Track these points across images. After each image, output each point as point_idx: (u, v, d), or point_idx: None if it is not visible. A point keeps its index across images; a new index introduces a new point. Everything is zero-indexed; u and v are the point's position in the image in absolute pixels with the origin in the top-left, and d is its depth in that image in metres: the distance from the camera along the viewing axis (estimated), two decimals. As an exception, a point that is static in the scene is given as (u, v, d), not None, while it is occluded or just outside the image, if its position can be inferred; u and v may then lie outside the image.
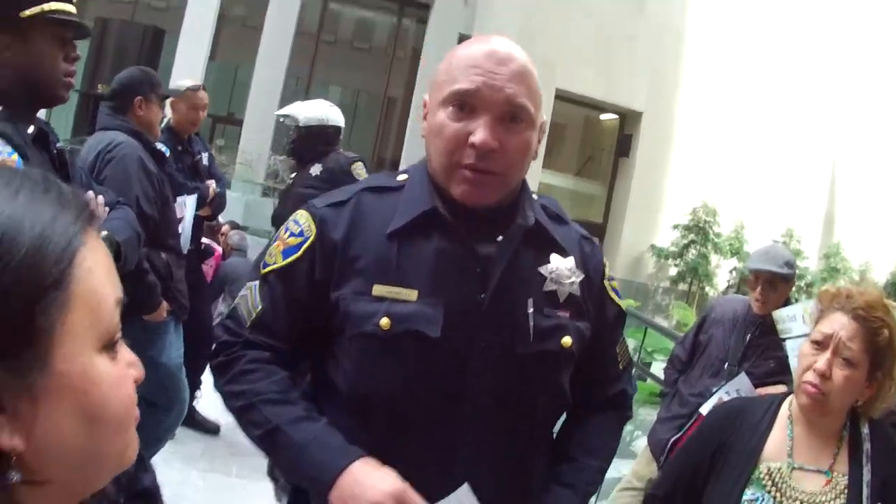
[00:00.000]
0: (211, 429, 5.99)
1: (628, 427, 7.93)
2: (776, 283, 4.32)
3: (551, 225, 2.00)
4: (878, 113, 22.30)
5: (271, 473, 2.12)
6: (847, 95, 22.01)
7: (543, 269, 1.93)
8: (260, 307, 1.91)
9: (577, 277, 1.97)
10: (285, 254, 1.91)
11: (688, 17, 20.24)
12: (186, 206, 4.85)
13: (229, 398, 1.92)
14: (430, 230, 1.87)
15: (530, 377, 1.91)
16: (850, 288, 2.38)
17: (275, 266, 1.92)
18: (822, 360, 2.27)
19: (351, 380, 1.87)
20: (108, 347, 0.85)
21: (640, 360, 9.07)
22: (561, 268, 1.94)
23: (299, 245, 1.90)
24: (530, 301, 1.89)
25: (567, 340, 1.92)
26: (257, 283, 1.94)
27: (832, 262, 21.48)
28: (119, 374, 0.86)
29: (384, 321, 1.80)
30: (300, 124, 5.78)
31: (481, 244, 1.88)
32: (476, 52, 1.84)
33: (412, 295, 1.82)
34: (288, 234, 1.93)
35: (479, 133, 1.79)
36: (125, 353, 0.89)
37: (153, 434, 4.32)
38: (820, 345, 2.30)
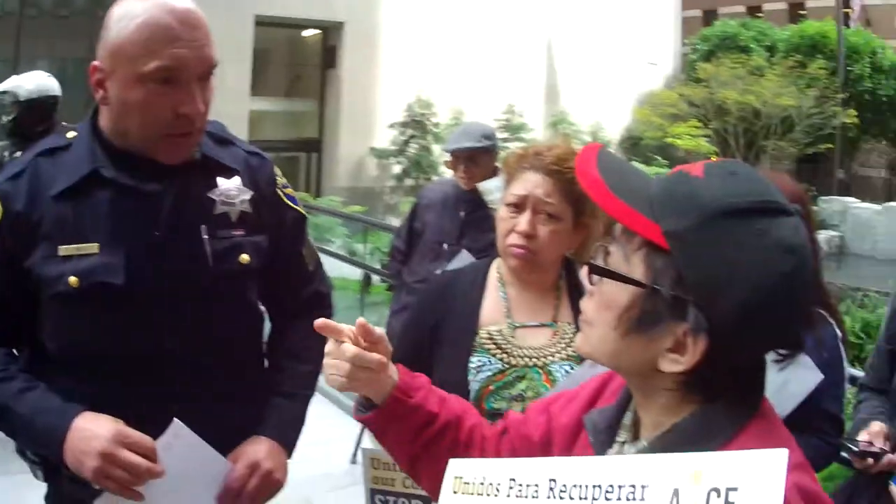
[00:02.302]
0: None
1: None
2: (477, 158, 4.41)
3: (216, 149, 2.07)
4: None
5: (20, 451, 2.16)
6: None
7: (212, 194, 2.02)
8: None
9: (246, 195, 2.06)
10: None
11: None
12: None
13: None
14: (98, 184, 1.93)
15: (219, 300, 2.02)
16: (538, 146, 2.38)
17: None
18: (523, 221, 2.26)
19: (55, 340, 1.96)
20: None
21: (381, 260, 9.12)
22: (229, 189, 2.04)
23: None
24: (204, 227, 1.99)
25: (245, 257, 2.04)
26: None
27: (559, 129, 22.30)
28: None
29: (72, 279, 1.88)
30: (20, 98, 5.42)
31: (148, 183, 1.94)
32: (162, 19, 1.83)
33: (94, 248, 1.90)
34: None
35: (191, 104, 1.87)
36: None
37: None
38: (517, 207, 2.29)
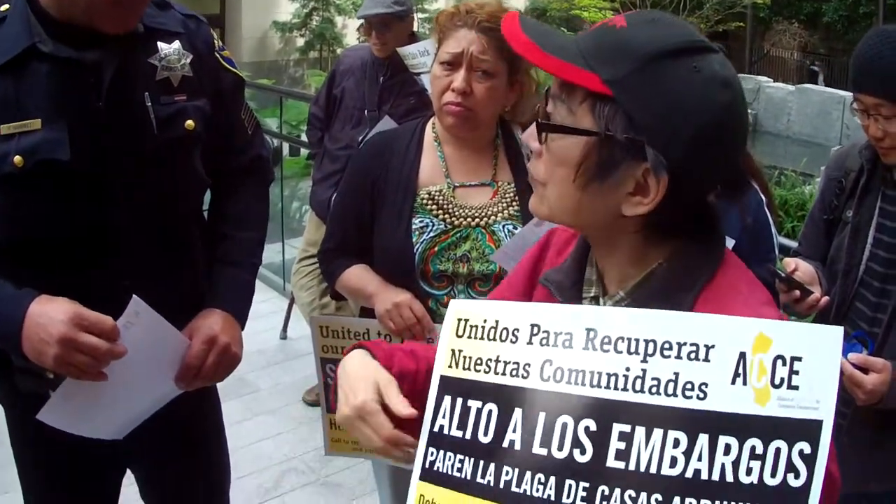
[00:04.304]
0: None
1: (294, 204, 8.01)
2: (390, 24, 4.32)
3: (154, 12, 1.99)
4: None
5: None
6: None
7: (153, 59, 1.96)
8: None
9: (186, 59, 2.01)
10: None
11: None
12: None
13: None
14: (36, 58, 1.83)
15: (165, 168, 1.97)
16: (468, 3, 2.32)
17: None
18: (459, 79, 2.23)
19: (2, 224, 1.87)
20: None
21: (288, 133, 9.00)
22: (170, 53, 1.98)
23: None
24: (147, 94, 1.93)
25: (190, 123, 1.99)
26: None
27: (461, -1, 22.03)
28: None
29: (17, 159, 1.79)
30: None
31: (87, 52, 1.85)
32: None
33: (36, 124, 1.81)
34: None
35: None
36: None
37: None
38: (451, 65, 2.26)
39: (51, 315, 1.72)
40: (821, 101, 19.09)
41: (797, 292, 2.36)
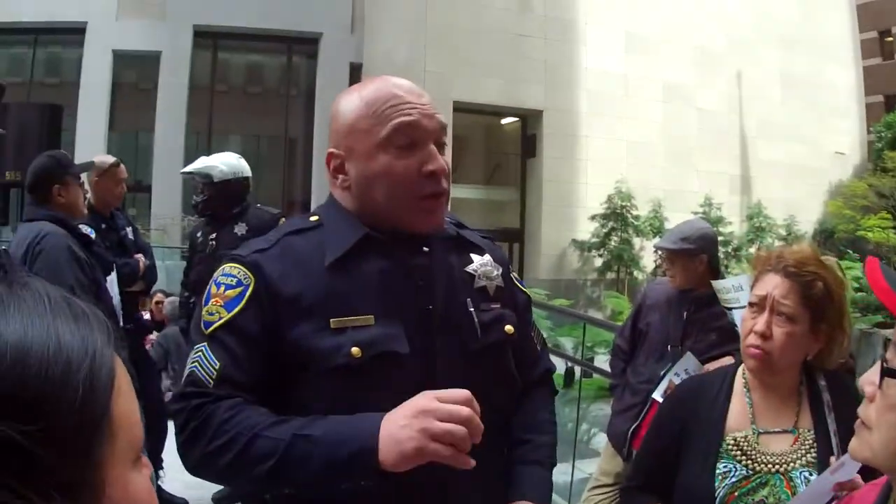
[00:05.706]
0: None
1: (584, 426, 8.01)
2: (675, 259, 4.44)
3: (456, 230, 2.11)
4: (778, 71, 22.92)
5: None
6: (745, 52, 22.58)
7: (470, 269, 2.06)
8: (219, 364, 1.84)
9: (498, 271, 2.11)
10: (228, 307, 1.88)
11: (575, 5, 20.57)
12: (110, 285, 4.81)
13: (217, 455, 1.78)
14: (365, 256, 1.93)
15: (486, 371, 1.99)
16: (782, 249, 2.41)
17: (221, 321, 1.87)
18: (760, 322, 2.31)
19: (328, 413, 1.81)
20: (138, 459, 0.81)
21: (583, 356, 9.09)
22: (485, 264, 2.09)
23: (241, 294, 1.88)
24: (469, 300, 2.00)
25: (509, 328, 2.06)
26: (205, 344, 1.88)
27: (755, 223, 21.91)
28: (147, 482, 0.82)
29: (355, 350, 1.82)
30: (215, 180, 5.54)
31: (414, 257, 1.96)
32: (389, 90, 1.92)
33: (370, 320, 1.86)
34: (223, 288, 1.91)
35: (435, 161, 1.91)
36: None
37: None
38: (756, 307, 2.34)
39: (407, 413, 1.69)
40: None
41: None
